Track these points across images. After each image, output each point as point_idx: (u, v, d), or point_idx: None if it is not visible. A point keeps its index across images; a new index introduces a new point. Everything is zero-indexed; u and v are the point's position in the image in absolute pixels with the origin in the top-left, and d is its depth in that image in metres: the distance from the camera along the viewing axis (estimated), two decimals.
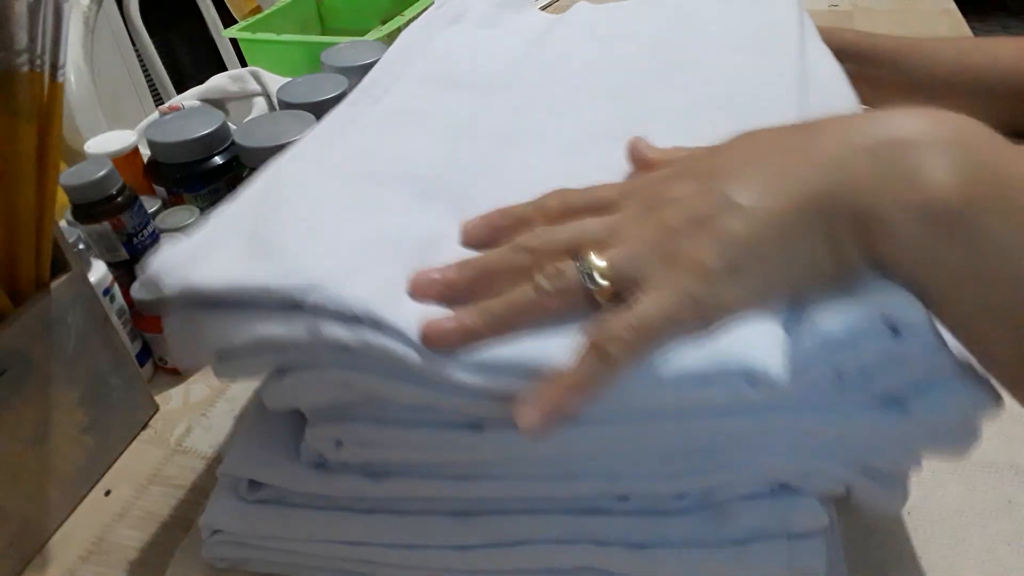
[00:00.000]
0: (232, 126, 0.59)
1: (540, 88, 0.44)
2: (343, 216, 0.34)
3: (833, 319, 0.27)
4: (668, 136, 0.36)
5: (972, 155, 0.26)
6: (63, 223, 0.50)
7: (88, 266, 0.46)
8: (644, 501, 0.32)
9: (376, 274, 0.30)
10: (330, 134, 0.42)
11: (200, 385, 0.50)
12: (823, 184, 0.27)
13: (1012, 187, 0.26)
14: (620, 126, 0.38)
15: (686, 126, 0.39)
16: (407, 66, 0.47)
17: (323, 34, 1.03)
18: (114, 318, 0.46)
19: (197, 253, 0.32)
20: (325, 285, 0.29)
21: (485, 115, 0.42)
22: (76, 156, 0.57)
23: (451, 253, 0.32)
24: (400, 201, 0.35)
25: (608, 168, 0.36)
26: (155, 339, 0.49)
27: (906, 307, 0.26)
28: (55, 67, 0.37)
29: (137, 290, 0.32)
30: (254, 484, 0.35)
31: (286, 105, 0.61)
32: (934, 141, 0.26)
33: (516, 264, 0.30)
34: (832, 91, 0.43)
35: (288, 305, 0.29)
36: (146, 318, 0.49)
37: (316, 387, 0.31)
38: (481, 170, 0.37)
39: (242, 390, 0.50)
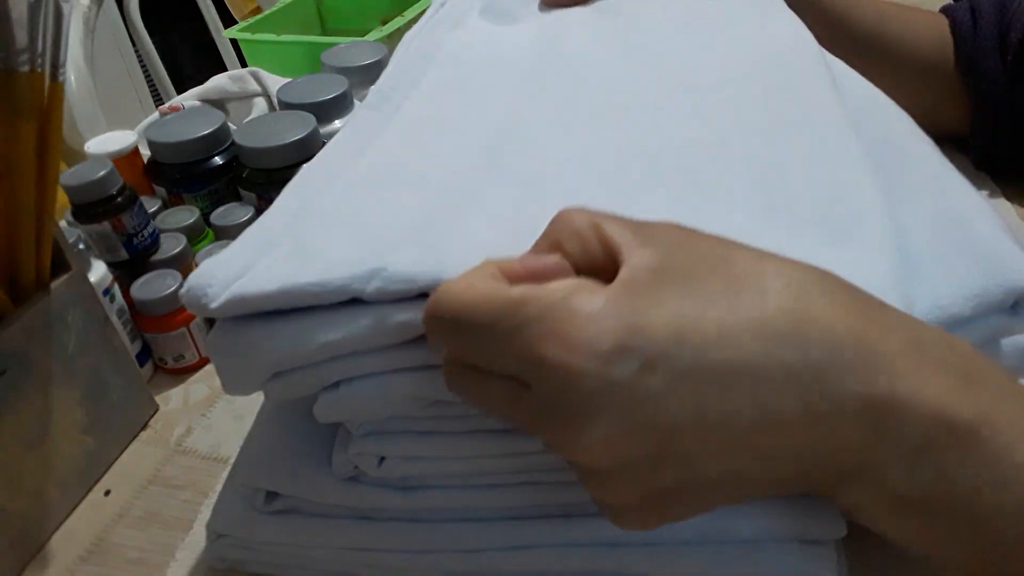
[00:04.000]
0: (232, 126, 0.59)
1: (557, 98, 0.43)
2: (385, 215, 0.33)
3: (956, 293, 0.28)
4: (694, 154, 0.35)
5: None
6: (63, 223, 0.50)
7: (88, 266, 0.46)
8: None
9: (434, 247, 0.29)
10: (358, 142, 0.41)
11: (200, 385, 0.50)
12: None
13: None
14: (640, 137, 0.37)
15: (719, 147, 0.37)
16: (422, 73, 0.46)
17: (323, 34, 1.03)
18: (114, 318, 0.46)
19: (236, 264, 0.31)
20: (384, 267, 0.28)
21: (507, 125, 0.41)
22: (76, 156, 0.57)
23: (490, 234, 0.31)
24: (434, 198, 0.34)
25: (632, 182, 0.35)
26: (155, 339, 0.49)
27: None
28: (55, 67, 0.37)
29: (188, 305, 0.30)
30: (270, 494, 0.35)
31: (286, 105, 0.61)
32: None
33: None
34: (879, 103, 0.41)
35: (346, 300, 0.28)
36: (146, 318, 0.49)
37: (374, 399, 0.30)
38: (508, 178, 0.37)
39: None
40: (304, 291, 0.28)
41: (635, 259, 0.24)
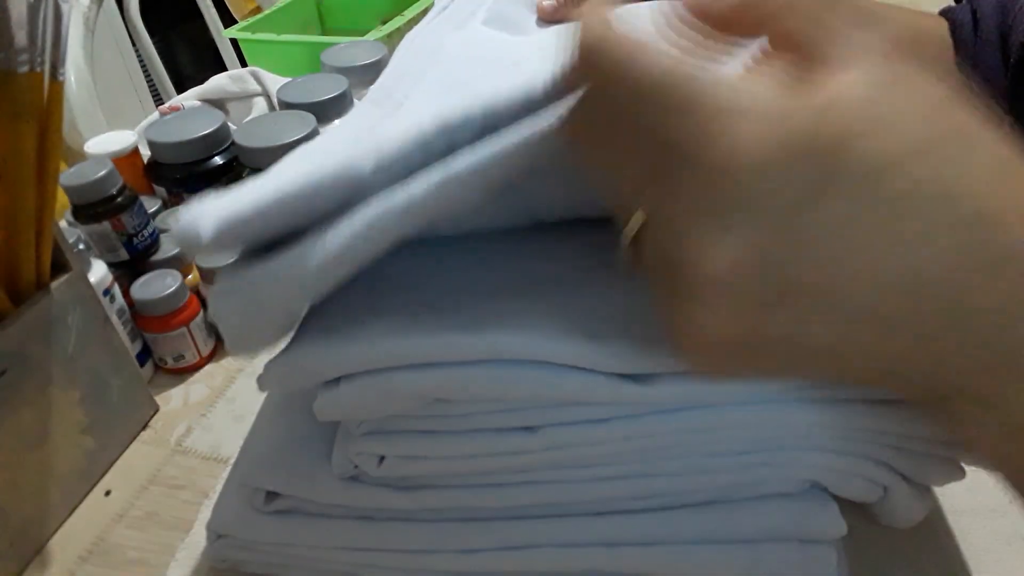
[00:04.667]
0: (232, 126, 0.59)
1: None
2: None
3: None
4: None
5: None
6: (63, 223, 0.50)
7: (88, 266, 0.46)
8: (666, 499, 0.31)
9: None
10: (355, 131, 0.40)
11: (200, 385, 0.50)
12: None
13: None
14: None
15: None
16: (423, 72, 0.46)
17: (323, 34, 1.03)
18: (114, 318, 0.46)
19: (226, 198, 0.28)
20: (380, 148, 0.26)
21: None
22: (76, 156, 0.57)
23: None
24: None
25: None
26: (155, 339, 0.49)
27: None
28: (55, 67, 0.37)
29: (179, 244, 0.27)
30: (270, 494, 0.35)
31: (286, 105, 0.61)
32: None
33: None
34: None
35: (353, 194, 0.26)
36: (146, 318, 0.49)
37: (375, 396, 0.29)
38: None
39: (242, 391, 0.50)
40: (302, 191, 0.26)
41: (851, 77, 0.21)
